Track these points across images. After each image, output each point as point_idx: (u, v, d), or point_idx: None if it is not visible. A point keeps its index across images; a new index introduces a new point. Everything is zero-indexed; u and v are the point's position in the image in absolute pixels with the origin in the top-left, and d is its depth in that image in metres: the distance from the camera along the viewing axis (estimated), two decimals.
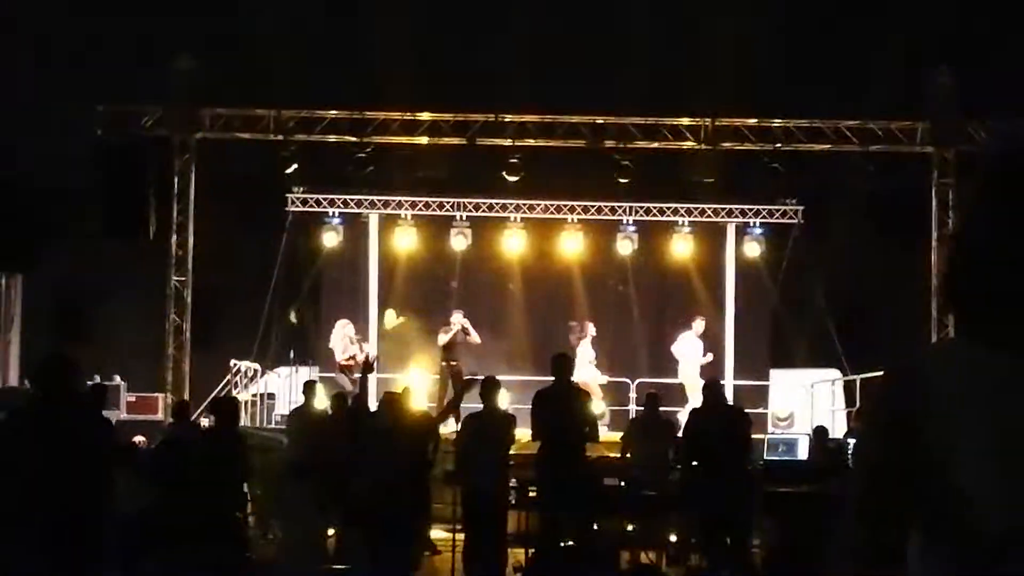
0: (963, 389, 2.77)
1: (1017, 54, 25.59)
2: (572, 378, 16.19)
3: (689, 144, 26.54)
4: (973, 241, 2.87)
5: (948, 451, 2.74)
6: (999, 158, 2.91)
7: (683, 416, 20.52)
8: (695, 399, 24.18)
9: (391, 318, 25.95)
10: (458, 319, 24.73)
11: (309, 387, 19.28)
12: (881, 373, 2.96)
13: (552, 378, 15.56)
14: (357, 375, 23.29)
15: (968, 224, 2.93)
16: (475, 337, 24.65)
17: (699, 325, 25.68)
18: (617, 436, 19.15)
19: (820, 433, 20.69)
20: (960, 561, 2.80)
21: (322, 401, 19.81)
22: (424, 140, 26.46)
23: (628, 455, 17.73)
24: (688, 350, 25.57)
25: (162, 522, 8.44)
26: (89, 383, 21.85)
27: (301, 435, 17.70)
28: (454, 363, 24.52)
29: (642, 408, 19.23)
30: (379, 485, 12.88)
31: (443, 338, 24.67)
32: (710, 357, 25.61)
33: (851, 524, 2.97)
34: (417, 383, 22.92)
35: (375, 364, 22.88)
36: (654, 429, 17.88)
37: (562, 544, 15.33)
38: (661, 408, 19.21)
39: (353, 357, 24.35)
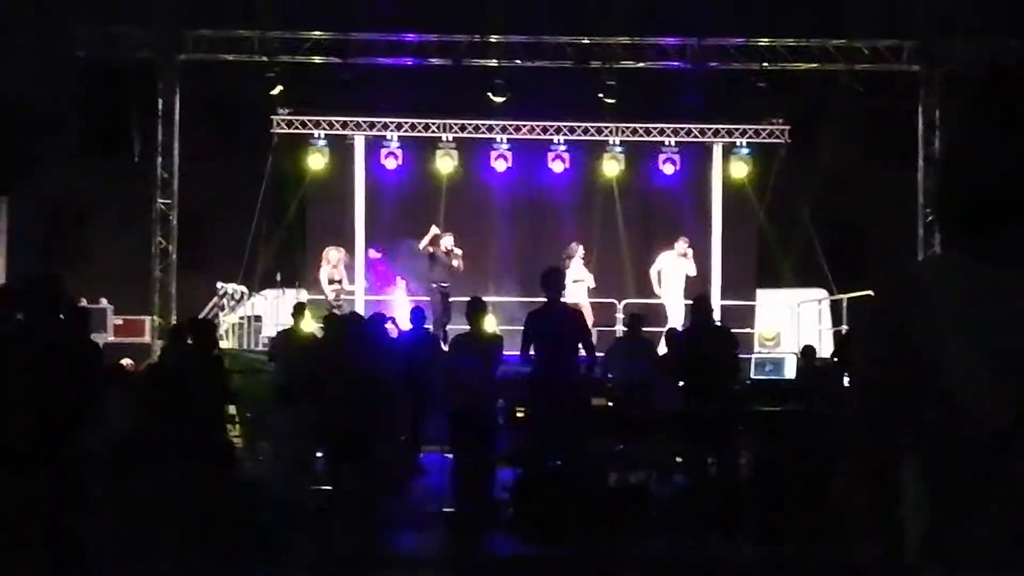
0: (953, 299, 2.80)
1: None
2: (563, 296, 16.13)
3: (675, 64, 26.41)
4: (962, 156, 2.89)
5: (939, 359, 2.78)
6: (992, 72, 2.92)
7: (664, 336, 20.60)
8: (675, 319, 24.23)
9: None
10: (448, 242, 24.71)
11: (298, 309, 19.26)
12: (870, 289, 2.98)
13: (544, 299, 15.38)
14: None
15: (957, 139, 2.94)
16: (459, 264, 24.62)
17: (681, 245, 25.60)
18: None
19: (808, 352, 20.74)
20: (958, 466, 2.82)
21: (309, 324, 19.81)
22: (409, 61, 26.31)
23: (610, 375, 17.76)
24: (667, 271, 25.51)
25: (150, 443, 8.43)
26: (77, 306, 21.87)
27: (288, 357, 17.69)
28: (444, 285, 24.53)
29: (625, 329, 19.22)
30: (357, 408, 12.88)
31: (423, 242, 24.62)
32: (693, 271, 25.53)
33: (847, 447, 2.99)
34: (404, 305, 23.00)
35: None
36: (636, 350, 17.91)
37: (550, 464, 15.37)
38: (645, 329, 19.24)
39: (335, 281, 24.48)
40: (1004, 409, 2.73)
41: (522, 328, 15.26)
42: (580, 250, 25.53)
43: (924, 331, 2.77)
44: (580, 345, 15.30)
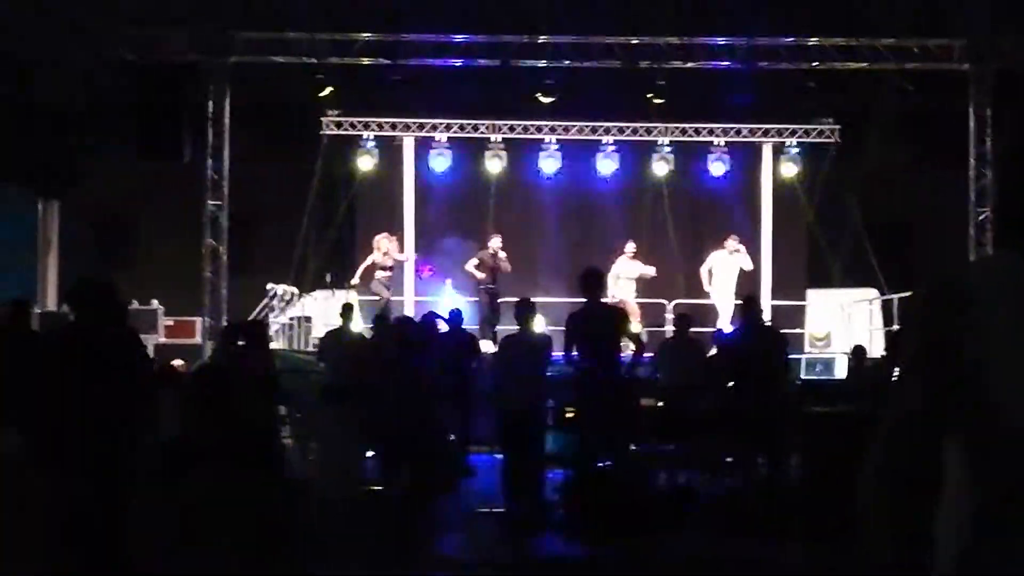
0: (1002, 301, 2.76)
1: None
2: (603, 297, 16.09)
3: (725, 64, 26.32)
4: (1019, 157, 2.85)
5: (984, 360, 2.73)
6: None
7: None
8: (726, 317, 24.17)
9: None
10: (495, 243, 24.76)
11: (347, 309, 19.29)
12: (922, 288, 2.93)
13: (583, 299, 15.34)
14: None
15: (1016, 139, 2.89)
16: (506, 265, 24.64)
17: (732, 243, 25.54)
18: None
19: (859, 352, 20.62)
20: (998, 464, 2.79)
21: (358, 324, 19.85)
22: (459, 62, 26.32)
23: (659, 375, 17.74)
24: (718, 270, 25.45)
25: (200, 444, 8.46)
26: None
27: (337, 358, 17.73)
28: (492, 286, 24.57)
29: (674, 329, 19.16)
30: (406, 408, 12.90)
31: (473, 261, 24.74)
32: (749, 265, 25.45)
33: (885, 439, 2.95)
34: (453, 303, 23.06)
35: None
36: (685, 350, 17.86)
37: (599, 465, 15.35)
38: (693, 329, 19.21)
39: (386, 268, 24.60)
40: None
41: None
42: (629, 246, 25.44)
43: (971, 331, 2.74)
44: (624, 343, 15.32)
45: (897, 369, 2.94)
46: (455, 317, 19.34)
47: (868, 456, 2.96)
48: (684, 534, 14.43)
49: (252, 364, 14.66)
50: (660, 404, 17.12)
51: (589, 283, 15.13)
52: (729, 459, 17.26)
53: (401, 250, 25.60)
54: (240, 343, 15.62)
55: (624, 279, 24.90)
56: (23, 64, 25.44)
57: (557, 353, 16.26)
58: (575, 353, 14.81)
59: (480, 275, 24.70)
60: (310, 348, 24.25)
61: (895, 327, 23.61)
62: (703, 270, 25.59)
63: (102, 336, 8.52)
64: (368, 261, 24.77)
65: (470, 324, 23.55)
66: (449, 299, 25.02)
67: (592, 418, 15.08)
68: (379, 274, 24.66)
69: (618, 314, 16.18)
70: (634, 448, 15.93)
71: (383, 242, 24.82)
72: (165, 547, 8.70)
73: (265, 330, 16.15)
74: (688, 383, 17.08)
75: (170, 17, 25.86)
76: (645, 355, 16.22)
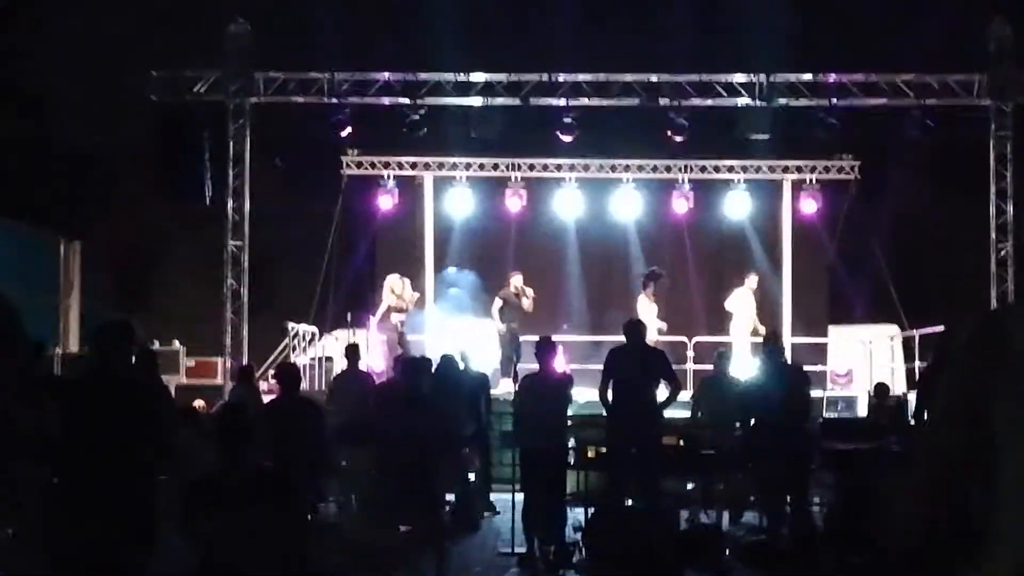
0: None
1: None
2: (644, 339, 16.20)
3: (744, 100, 26.33)
4: None
5: (1005, 432, 2.66)
6: None
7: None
8: (744, 356, 24.11)
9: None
10: (517, 282, 24.76)
11: (352, 350, 19.24)
12: (962, 329, 2.85)
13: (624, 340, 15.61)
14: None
15: None
16: (528, 304, 24.62)
17: (752, 280, 25.55)
18: None
19: (881, 390, 20.58)
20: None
21: (364, 364, 19.84)
22: (478, 101, 26.35)
23: (699, 414, 17.71)
24: (740, 306, 25.43)
25: (224, 484, 8.47)
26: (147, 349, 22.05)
27: (345, 398, 17.69)
28: (513, 325, 24.57)
29: (711, 368, 19.14)
30: (427, 448, 12.87)
31: (497, 303, 24.75)
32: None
33: (914, 478, 2.88)
34: (472, 341, 23.06)
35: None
36: (724, 388, 17.84)
37: (622, 504, 15.32)
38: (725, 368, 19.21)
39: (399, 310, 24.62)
40: None
41: (591, 367, 15.26)
42: (649, 288, 25.42)
43: (1004, 387, 2.65)
44: (663, 381, 15.39)
45: (930, 411, 2.87)
46: (448, 364, 19.20)
47: (906, 488, 2.89)
48: (708, 574, 14.39)
49: (289, 407, 14.65)
50: (681, 442, 17.05)
51: (630, 332, 15.44)
52: (752, 497, 17.22)
53: (414, 289, 25.58)
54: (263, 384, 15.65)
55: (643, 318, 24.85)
56: (47, 105, 25.60)
57: (584, 390, 16.25)
58: (610, 390, 14.96)
59: (500, 325, 24.65)
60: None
61: (917, 363, 23.55)
62: (728, 305, 25.54)
63: (126, 382, 8.55)
64: (384, 305, 24.80)
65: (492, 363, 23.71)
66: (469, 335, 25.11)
67: (625, 457, 15.12)
68: (395, 316, 24.69)
69: (659, 356, 16.21)
70: (659, 487, 15.88)
71: (396, 283, 24.85)
72: None
73: (297, 372, 16.05)
74: (724, 420, 17.06)
75: (192, 57, 26.00)
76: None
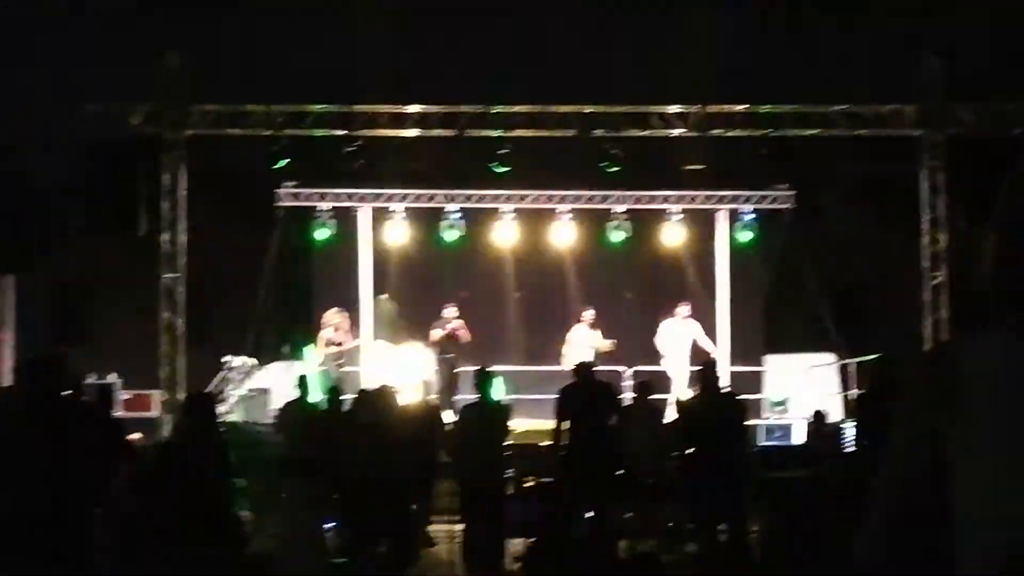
0: (994, 396, 2.66)
1: (1001, 39, 25.72)
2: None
3: (679, 131, 26.46)
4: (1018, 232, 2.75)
5: (960, 468, 2.66)
6: None
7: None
8: (681, 386, 24.18)
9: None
10: (450, 313, 24.88)
11: (303, 381, 19.25)
12: (918, 362, 2.84)
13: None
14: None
15: (1017, 215, 2.82)
16: (465, 334, 24.80)
17: (683, 310, 25.70)
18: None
19: (819, 417, 20.73)
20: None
21: (315, 395, 19.82)
22: (414, 133, 26.38)
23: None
24: (670, 339, 25.51)
25: (159, 519, 8.45)
26: (93, 383, 21.93)
27: (295, 429, 17.67)
28: (449, 355, 24.64)
29: (635, 396, 19.19)
30: (368, 480, 12.88)
31: (435, 334, 24.87)
32: (701, 335, 25.62)
33: (874, 528, 2.85)
34: (407, 368, 23.19)
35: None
36: (646, 417, 17.88)
37: (560, 533, 15.35)
38: (654, 396, 19.26)
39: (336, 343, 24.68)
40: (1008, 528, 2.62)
41: (529, 397, 15.34)
42: (587, 314, 25.53)
43: (955, 410, 2.65)
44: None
45: (888, 443, 2.85)
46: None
47: (862, 535, 2.86)
48: None
49: (205, 438, 14.60)
50: (619, 472, 17.10)
51: (580, 370, 16.08)
52: (691, 525, 17.29)
53: (352, 325, 25.62)
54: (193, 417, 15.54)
55: (582, 347, 24.91)
56: None
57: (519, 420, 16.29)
58: (566, 424, 15.10)
59: (435, 348, 24.85)
60: (268, 420, 24.18)
61: (853, 391, 23.72)
62: (658, 343, 25.66)
63: (54, 409, 8.51)
64: (322, 337, 24.82)
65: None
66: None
67: (578, 487, 15.25)
68: (331, 349, 24.71)
69: (609, 388, 16.36)
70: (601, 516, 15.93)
71: (334, 317, 24.90)
72: None
73: (213, 403, 16.03)
74: (649, 450, 17.10)
75: (126, 90, 25.91)
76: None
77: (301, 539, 15.14)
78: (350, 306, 26.46)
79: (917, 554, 2.76)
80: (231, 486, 14.94)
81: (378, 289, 27.48)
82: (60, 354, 8.68)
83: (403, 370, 24.82)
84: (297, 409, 18.73)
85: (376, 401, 15.74)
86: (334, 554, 13.93)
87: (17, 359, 25.87)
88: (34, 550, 7.87)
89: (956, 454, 2.66)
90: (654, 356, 26.06)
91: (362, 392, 18.56)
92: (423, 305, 26.88)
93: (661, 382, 24.26)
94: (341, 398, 18.84)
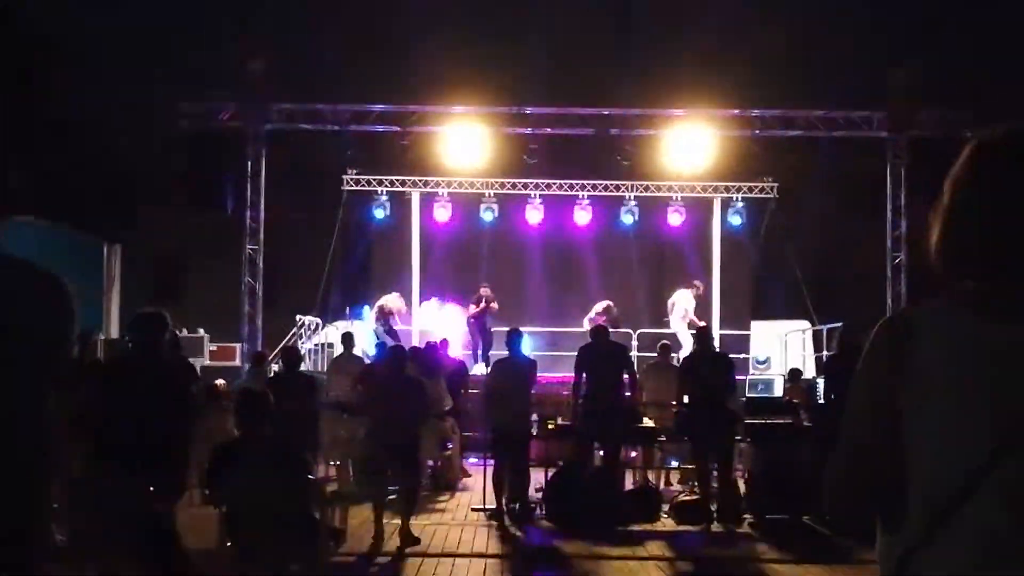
0: (939, 354, 2.63)
1: (962, 50, 25.60)
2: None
3: (680, 131, 26.40)
4: (966, 214, 2.71)
5: (911, 408, 2.65)
6: (1006, 135, 2.71)
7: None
8: (686, 345, 24.15)
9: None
10: (485, 292, 24.95)
11: (347, 337, 19.20)
12: (875, 329, 2.80)
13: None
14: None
15: (962, 197, 2.74)
16: (494, 306, 24.87)
17: (697, 288, 25.67)
18: None
19: (794, 374, 20.73)
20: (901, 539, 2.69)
21: (359, 348, 19.86)
22: (457, 130, 26.38)
23: (643, 392, 17.75)
24: (685, 302, 25.43)
25: (241, 450, 8.49)
26: (184, 335, 22.02)
27: (339, 378, 17.61)
28: (484, 320, 24.77)
29: (655, 355, 19.16)
30: (399, 421, 12.90)
31: (472, 309, 24.91)
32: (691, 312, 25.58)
33: (829, 493, 2.80)
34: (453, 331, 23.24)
35: None
36: (664, 372, 17.92)
37: (582, 468, 15.37)
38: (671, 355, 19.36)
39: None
40: (950, 475, 2.57)
41: (552, 353, 15.36)
42: (599, 306, 25.18)
43: (909, 374, 2.63)
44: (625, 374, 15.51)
45: (846, 405, 2.80)
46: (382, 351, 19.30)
47: (828, 469, 2.82)
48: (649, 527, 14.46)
49: (290, 383, 14.65)
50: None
51: (597, 333, 15.90)
52: (686, 463, 17.31)
53: (406, 306, 25.61)
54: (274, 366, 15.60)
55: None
56: (95, 131, 25.55)
57: (543, 374, 16.29)
58: (584, 377, 15.17)
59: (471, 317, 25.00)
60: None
61: (824, 353, 23.65)
62: (673, 300, 25.52)
63: (159, 362, 8.56)
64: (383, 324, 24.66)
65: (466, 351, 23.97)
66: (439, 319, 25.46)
67: (592, 431, 15.28)
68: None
69: (624, 350, 16.35)
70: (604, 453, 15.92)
71: (395, 302, 24.74)
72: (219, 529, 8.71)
73: (298, 354, 16.07)
74: (658, 399, 17.15)
75: (216, 89, 26.00)
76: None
77: (356, 468, 15.17)
78: (403, 275, 26.63)
79: (872, 483, 2.74)
80: (313, 424, 14.98)
81: (424, 260, 27.55)
82: (162, 312, 8.71)
83: (445, 325, 25.03)
84: (341, 361, 18.72)
85: (402, 356, 15.65)
86: (382, 480, 13.88)
87: (124, 316, 26.03)
88: (141, 475, 7.91)
89: (906, 403, 2.65)
90: (657, 322, 26.02)
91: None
92: (464, 271, 27.05)
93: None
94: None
